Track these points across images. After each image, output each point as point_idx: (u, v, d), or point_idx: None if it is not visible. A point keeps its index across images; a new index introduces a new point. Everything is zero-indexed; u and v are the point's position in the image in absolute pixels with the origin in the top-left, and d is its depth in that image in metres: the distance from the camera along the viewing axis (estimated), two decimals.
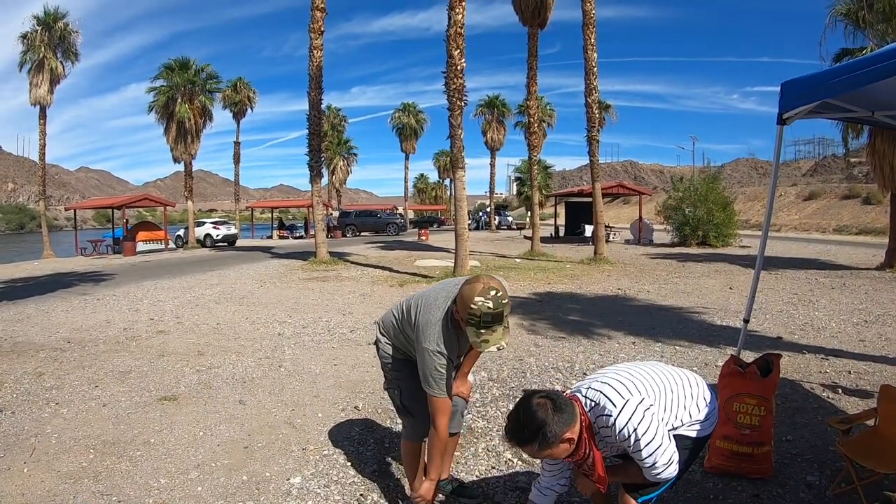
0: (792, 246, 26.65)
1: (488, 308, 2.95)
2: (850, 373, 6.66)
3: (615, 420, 2.53)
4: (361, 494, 4.07)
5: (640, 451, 2.52)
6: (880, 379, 6.16)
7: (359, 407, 5.77)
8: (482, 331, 2.97)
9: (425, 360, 3.20)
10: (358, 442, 4.96)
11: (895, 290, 12.75)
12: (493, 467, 4.50)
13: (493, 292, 3.00)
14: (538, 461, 3.59)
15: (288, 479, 4.26)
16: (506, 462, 4.60)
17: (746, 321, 5.06)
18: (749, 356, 4.85)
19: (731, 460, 4.21)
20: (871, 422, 4.17)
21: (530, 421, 2.48)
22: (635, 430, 2.50)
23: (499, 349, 3.06)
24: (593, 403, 2.62)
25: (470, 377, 3.91)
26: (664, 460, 2.55)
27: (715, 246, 26.76)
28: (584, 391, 2.71)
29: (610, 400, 2.58)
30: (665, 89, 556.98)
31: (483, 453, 4.74)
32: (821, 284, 14.06)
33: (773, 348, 7.00)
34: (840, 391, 6.00)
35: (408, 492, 3.86)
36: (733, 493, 4.01)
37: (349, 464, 4.54)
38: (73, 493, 3.99)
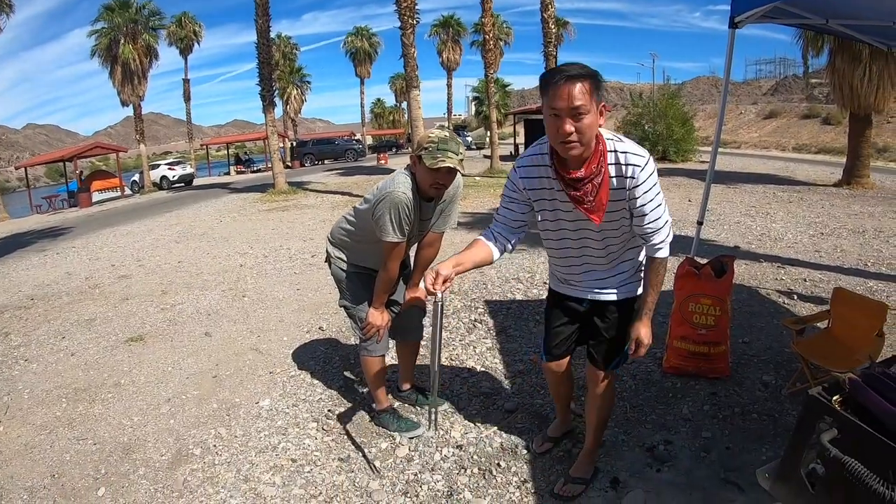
0: (751, 162, 26.63)
1: (444, 135, 3.09)
2: (805, 280, 6.86)
3: (643, 168, 2.45)
4: (329, 410, 4.21)
5: (654, 200, 2.50)
6: (834, 286, 6.34)
7: (323, 327, 5.91)
8: (439, 154, 3.03)
9: (385, 214, 3.20)
10: (324, 361, 5.11)
11: (851, 205, 12.85)
12: (456, 375, 4.66)
13: (447, 129, 3.17)
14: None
15: (257, 403, 4.39)
16: (468, 369, 4.78)
17: (700, 223, 5.18)
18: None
19: (688, 360, 4.36)
20: (824, 323, 4.35)
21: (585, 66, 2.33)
22: (656, 183, 2.48)
23: (457, 169, 3.13)
24: (618, 139, 2.51)
25: (422, 284, 3.98)
26: (666, 216, 2.58)
27: (675, 161, 26.56)
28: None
29: (638, 150, 2.49)
30: (626, 7, 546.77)
31: (446, 362, 4.91)
32: (778, 198, 14.20)
33: None
34: (795, 297, 6.23)
35: (374, 405, 3.99)
36: (691, 391, 4.19)
37: (316, 382, 4.68)
38: (49, 443, 4.06)
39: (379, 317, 3.56)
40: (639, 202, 2.49)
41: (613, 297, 2.85)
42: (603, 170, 2.44)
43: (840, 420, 1.94)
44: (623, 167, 2.45)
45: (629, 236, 2.70)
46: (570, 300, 2.99)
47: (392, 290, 3.67)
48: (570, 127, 2.29)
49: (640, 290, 2.85)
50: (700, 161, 26.36)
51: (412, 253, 3.82)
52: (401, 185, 3.18)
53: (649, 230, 2.58)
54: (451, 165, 3.06)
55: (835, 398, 2.05)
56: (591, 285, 2.87)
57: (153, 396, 4.65)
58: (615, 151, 2.46)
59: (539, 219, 2.74)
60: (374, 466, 3.53)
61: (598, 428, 3.20)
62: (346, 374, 4.81)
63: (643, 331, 2.73)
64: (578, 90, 2.25)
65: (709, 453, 3.43)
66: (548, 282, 3.19)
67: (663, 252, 2.64)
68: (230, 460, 3.67)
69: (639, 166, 2.43)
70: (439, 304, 2.35)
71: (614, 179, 2.48)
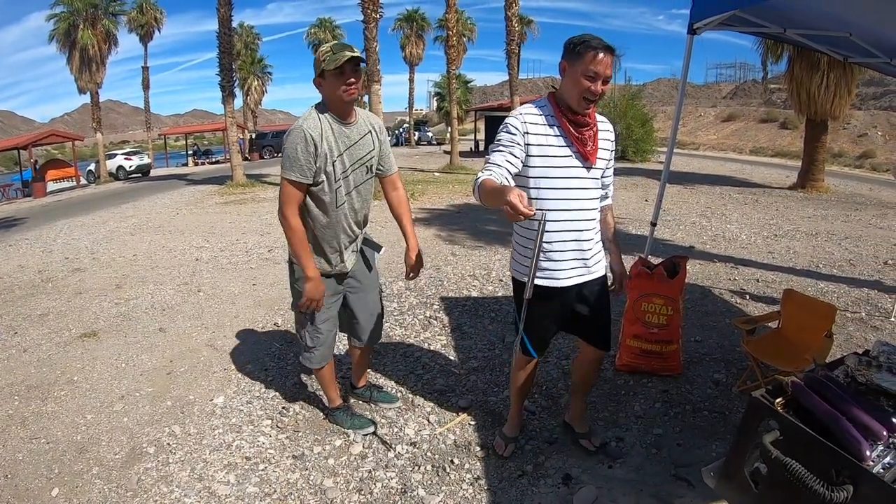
0: (709, 164, 27.04)
1: (334, 42, 3.16)
2: (758, 281, 7.04)
3: (612, 132, 3.10)
4: (284, 407, 4.20)
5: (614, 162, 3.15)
6: (786, 287, 6.49)
7: (278, 323, 5.90)
8: (337, 56, 3.03)
9: (287, 148, 3.13)
10: (278, 357, 5.09)
11: (805, 208, 13.18)
12: (411, 372, 4.69)
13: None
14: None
15: (211, 400, 4.36)
16: (423, 366, 4.80)
17: (654, 224, 5.25)
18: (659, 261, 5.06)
19: (640, 358, 4.45)
20: (774, 323, 4.45)
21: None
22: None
23: (360, 58, 3.11)
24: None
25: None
26: None
27: (633, 161, 26.87)
28: None
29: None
30: (590, 7, 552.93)
31: (401, 359, 4.94)
32: (734, 200, 14.48)
33: None
34: (748, 297, 6.40)
35: (326, 402, 4.00)
36: (644, 389, 4.28)
37: (271, 379, 4.66)
38: (1, 443, 3.96)
39: (314, 289, 3.31)
40: (610, 155, 3.08)
41: (598, 274, 3.12)
42: (595, 123, 2.97)
43: (782, 422, 1.99)
44: (605, 124, 3.07)
45: (601, 193, 3.13)
46: (557, 295, 3.04)
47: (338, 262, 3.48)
48: (600, 88, 2.77)
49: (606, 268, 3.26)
50: (658, 161, 26.69)
51: (368, 215, 3.60)
52: (306, 120, 3.14)
53: (609, 181, 3.20)
54: (354, 54, 3.06)
55: (777, 400, 2.10)
56: (578, 262, 3.03)
57: (107, 394, 4.58)
58: (598, 118, 3.03)
59: (532, 164, 2.87)
60: (385, 441, 3.67)
61: (589, 391, 3.62)
62: (303, 370, 4.78)
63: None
64: (612, 63, 2.76)
65: (660, 450, 3.50)
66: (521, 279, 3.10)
67: (611, 199, 3.36)
68: (184, 459, 3.64)
69: (612, 131, 3.10)
70: (542, 221, 2.32)
71: (602, 133, 3.01)
